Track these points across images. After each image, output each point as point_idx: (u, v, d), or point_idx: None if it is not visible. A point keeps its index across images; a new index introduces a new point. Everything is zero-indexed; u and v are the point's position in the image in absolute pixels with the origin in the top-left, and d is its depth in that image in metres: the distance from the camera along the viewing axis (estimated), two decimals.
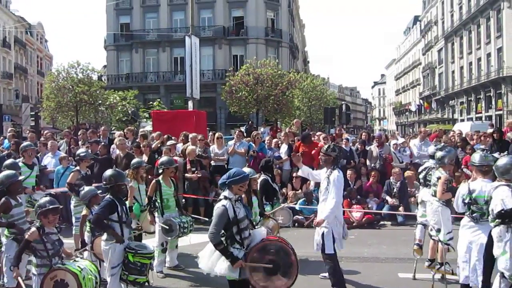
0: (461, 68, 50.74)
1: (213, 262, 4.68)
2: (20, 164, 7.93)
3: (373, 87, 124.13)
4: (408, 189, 10.99)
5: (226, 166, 11.81)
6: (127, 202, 7.29)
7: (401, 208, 10.55)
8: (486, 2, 42.50)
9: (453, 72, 53.71)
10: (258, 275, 4.65)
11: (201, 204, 10.76)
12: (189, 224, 7.18)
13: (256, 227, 5.27)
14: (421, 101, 66.36)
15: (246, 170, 6.14)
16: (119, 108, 29.93)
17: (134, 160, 8.02)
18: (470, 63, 48.00)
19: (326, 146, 6.38)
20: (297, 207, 10.56)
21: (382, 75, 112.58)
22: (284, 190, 11.20)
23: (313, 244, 6.18)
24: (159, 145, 11.27)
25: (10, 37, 47.67)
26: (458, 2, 51.26)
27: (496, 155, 11.37)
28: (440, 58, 58.04)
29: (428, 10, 64.12)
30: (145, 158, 10.37)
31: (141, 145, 11.12)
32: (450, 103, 54.55)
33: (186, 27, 34.71)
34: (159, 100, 32.39)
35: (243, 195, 5.18)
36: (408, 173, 11.20)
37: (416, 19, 72.53)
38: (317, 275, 6.72)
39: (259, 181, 7.27)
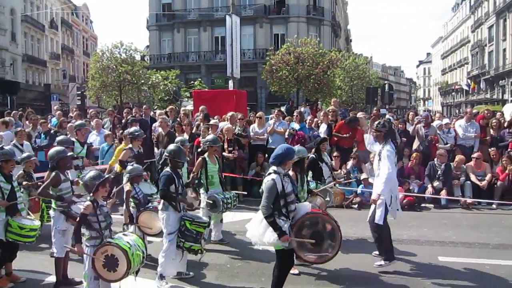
0: None
1: (260, 233, 4.92)
2: (74, 140, 8.41)
3: (418, 66, 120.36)
4: (454, 172, 10.67)
5: (265, 145, 11.86)
6: None
7: (443, 192, 10.28)
8: None
9: (504, 50, 51.14)
10: (303, 246, 4.99)
11: (239, 183, 10.86)
12: (233, 199, 7.42)
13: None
14: (468, 80, 63.84)
15: (298, 148, 6.23)
16: (161, 88, 30.40)
17: (177, 138, 8.24)
18: None
19: (376, 122, 6.49)
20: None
21: (428, 54, 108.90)
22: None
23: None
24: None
25: (57, 18, 49.06)
26: None
27: None
28: (491, 35, 55.31)
29: None
30: (186, 136, 10.53)
31: (183, 124, 11.30)
32: (500, 83, 52.15)
33: (227, 6, 34.56)
34: (200, 79, 32.66)
35: (291, 172, 5.50)
36: (458, 157, 10.86)
37: None
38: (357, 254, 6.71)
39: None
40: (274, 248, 5.00)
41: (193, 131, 11.31)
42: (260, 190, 5.03)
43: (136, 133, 8.12)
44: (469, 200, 10.22)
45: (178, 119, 12.39)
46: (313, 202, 6.42)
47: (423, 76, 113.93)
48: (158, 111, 14.82)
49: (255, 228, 5.01)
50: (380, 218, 6.12)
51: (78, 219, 4.77)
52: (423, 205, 10.32)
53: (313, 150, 7.81)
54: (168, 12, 41.74)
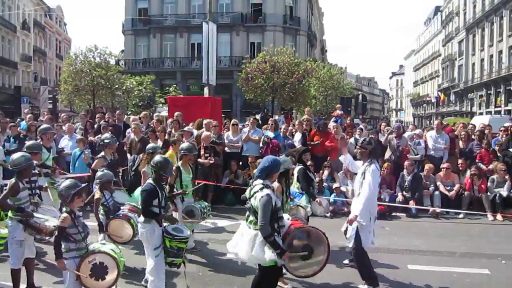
0: (482, 60, 49.81)
1: (253, 250, 4.65)
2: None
3: (391, 77, 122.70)
4: (424, 181, 10.90)
5: (240, 152, 11.88)
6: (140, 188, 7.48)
7: (412, 202, 10.47)
8: None
9: (473, 64, 52.76)
10: (293, 260, 4.87)
11: (210, 190, 10.76)
12: (208, 209, 7.33)
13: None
14: (439, 93, 65.44)
15: (283, 159, 6.05)
16: (136, 93, 30.15)
17: (150, 145, 8.10)
18: (491, 56, 47.06)
19: (362, 139, 6.31)
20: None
21: (401, 66, 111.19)
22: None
23: (343, 234, 6.37)
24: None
25: (30, 20, 48.13)
26: None
27: None
28: (461, 50, 56.99)
29: (449, 1, 62.87)
30: (160, 143, 10.45)
31: (156, 130, 11.22)
32: (469, 95, 53.69)
33: (204, 13, 34.49)
34: (175, 85, 32.50)
35: (276, 184, 5.33)
36: (428, 165, 11.10)
37: (437, 10, 71.25)
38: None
39: (296, 170, 7.23)
40: (262, 264, 4.77)
41: (167, 138, 11.23)
42: (248, 205, 4.77)
43: (107, 141, 7.89)
44: (438, 210, 10.45)
45: (152, 125, 12.29)
46: (297, 214, 6.38)
47: (395, 88, 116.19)
48: (132, 117, 14.66)
49: (243, 244, 4.74)
50: (367, 242, 5.92)
51: (56, 233, 4.58)
52: (394, 214, 10.49)
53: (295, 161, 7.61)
54: (144, 17, 41.47)
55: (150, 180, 5.44)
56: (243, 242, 4.76)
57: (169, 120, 12.66)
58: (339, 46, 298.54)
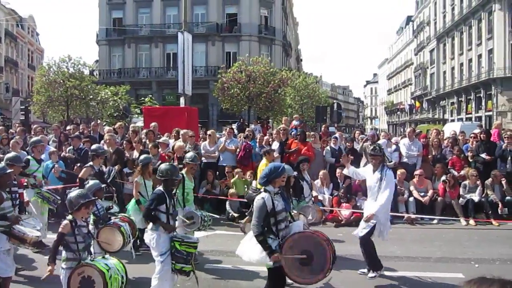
0: (452, 68, 51.09)
1: (251, 250, 4.92)
2: (30, 158, 8.24)
3: (365, 86, 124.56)
4: (398, 187, 11.07)
5: (216, 163, 11.86)
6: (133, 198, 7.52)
7: None
8: (478, 4, 42.79)
9: (444, 72, 54.06)
10: (293, 265, 4.91)
11: None
12: (208, 218, 7.28)
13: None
14: (412, 100, 66.73)
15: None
16: (111, 104, 29.81)
17: (143, 156, 8.18)
18: (461, 64, 48.33)
19: (372, 147, 6.83)
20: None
21: (375, 75, 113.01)
22: None
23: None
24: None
25: (1, 30, 47.13)
26: (450, 3, 51.58)
27: (483, 156, 11.60)
28: (432, 58, 58.37)
29: (421, 10, 64.42)
30: (136, 154, 10.36)
31: (132, 141, 11.11)
32: (441, 103, 54.92)
33: (179, 23, 34.55)
34: (151, 96, 32.31)
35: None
36: (400, 171, 11.29)
37: (409, 19, 72.81)
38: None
39: None
40: (266, 267, 5.03)
41: (143, 149, 11.13)
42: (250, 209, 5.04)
43: (100, 151, 7.95)
44: (412, 216, 10.63)
45: (127, 136, 12.17)
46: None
47: (370, 96, 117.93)
48: (106, 128, 14.47)
49: (246, 245, 5.01)
50: (362, 232, 6.57)
51: (56, 238, 4.59)
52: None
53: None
54: (119, 27, 41.17)
55: (160, 187, 5.67)
56: (250, 245, 4.96)
57: (144, 131, 12.56)
58: (314, 55, 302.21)
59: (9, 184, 5.91)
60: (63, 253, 4.56)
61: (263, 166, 9.54)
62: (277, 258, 4.75)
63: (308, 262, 4.90)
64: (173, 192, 5.96)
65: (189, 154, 7.75)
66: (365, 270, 6.78)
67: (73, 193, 4.77)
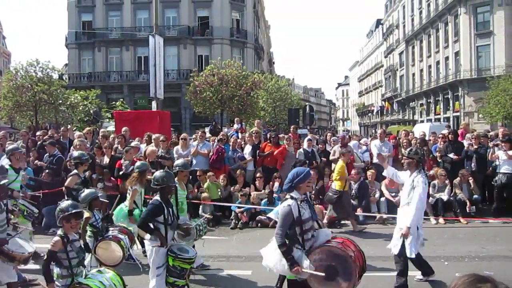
0: (421, 70, 52.26)
1: (276, 260, 4.64)
2: (7, 167, 7.54)
3: (337, 88, 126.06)
4: (370, 187, 11.24)
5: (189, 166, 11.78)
6: (127, 205, 7.28)
7: (359, 209, 10.75)
8: (444, 8, 43.93)
9: (413, 74, 55.23)
10: (317, 279, 4.59)
11: None
12: (204, 226, 6.92)
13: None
14: (383, 102, 67.89)
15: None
16: (81, 108, 29.24)
17: (139, 163, 7.86)
18: (430, 66, 49.49)
19: (408, 150, 6.52)
20: (261, 207, 10.65)
21: (346, 77, 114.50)
22: (247, 189, 11.28)
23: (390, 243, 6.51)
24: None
25: None
26: (418, 7, 52.78)
27: (451, 155, 11.87)
28: (401, 61, 59.56)
29: (390, 14, 65.66)
30: (106, 159, 10.21)
31: (103, 146, 10.95)
32: (410, 104, 56.06)
33: (150, 26, 34.25)
34: (122, 100, 31.89)
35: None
36: (370, 171, 11.45)
37: (378, 23, 74.13)
38: None
39: None
40: (287, 277, 4.82)
41: (114, 154, 10.98)
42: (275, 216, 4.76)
43: (84, 158, 7.57)
44: (384, 216, 10.79)
45: (97, 141, 11.97)
46: None
47: (342, 98, 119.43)
48: (76, 133, 14.19)
49: (271, 254, 4.71)
50: (412, 253, 6.16)
51: (45, 257, 4.36)
52: (343, 222, 10.72)
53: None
54: (88, 31, 40.53)
55: (157, 197, 5.45)
56: (274, 253, 4.69)
57: (112, 136, 12.36)
58: (287, 58, 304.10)
59: (1, 197, 5.54)
60: (55, 269, 4.37)
61: (341, 168, 9.73)
62: (298, 271, 4.48)
63: (332, 277, 4.58)
64: (171, 200, 5.72)
65: (180, 161, 7.32)
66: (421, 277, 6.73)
67: (64, 203, 4.57)
